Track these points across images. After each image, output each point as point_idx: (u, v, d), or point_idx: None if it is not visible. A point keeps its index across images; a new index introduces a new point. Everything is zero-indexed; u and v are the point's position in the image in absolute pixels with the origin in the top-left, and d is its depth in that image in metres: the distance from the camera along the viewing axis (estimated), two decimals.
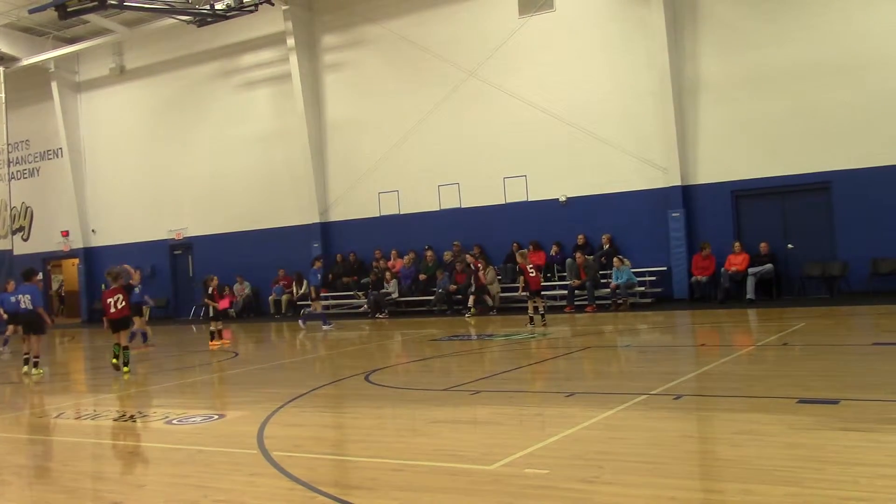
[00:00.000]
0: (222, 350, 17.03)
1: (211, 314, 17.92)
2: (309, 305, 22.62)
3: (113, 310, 13.50)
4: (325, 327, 20.42)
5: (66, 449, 8.33)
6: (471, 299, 21.09)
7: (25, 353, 14.83)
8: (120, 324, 13.63)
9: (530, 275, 17.48)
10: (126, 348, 13.62)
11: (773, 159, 19.67)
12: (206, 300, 18.29)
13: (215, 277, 18.30)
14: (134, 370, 13.74)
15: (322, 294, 21.76)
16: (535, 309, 17.34)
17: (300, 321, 21.57)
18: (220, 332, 17.87)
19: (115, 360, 13.54)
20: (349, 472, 6.62)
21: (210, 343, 17.67)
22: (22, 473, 7.46)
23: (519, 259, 18.33)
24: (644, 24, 20.82)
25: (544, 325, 17.01)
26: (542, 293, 18.15)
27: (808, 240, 19.55)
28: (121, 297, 13.58)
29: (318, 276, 21.13)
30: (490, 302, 21.49)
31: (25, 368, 14.64)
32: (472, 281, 21.45)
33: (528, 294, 17.76)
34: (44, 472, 7.37)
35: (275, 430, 8.05)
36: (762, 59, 19.72)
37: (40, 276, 15.26)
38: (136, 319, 17.77)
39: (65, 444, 8.65)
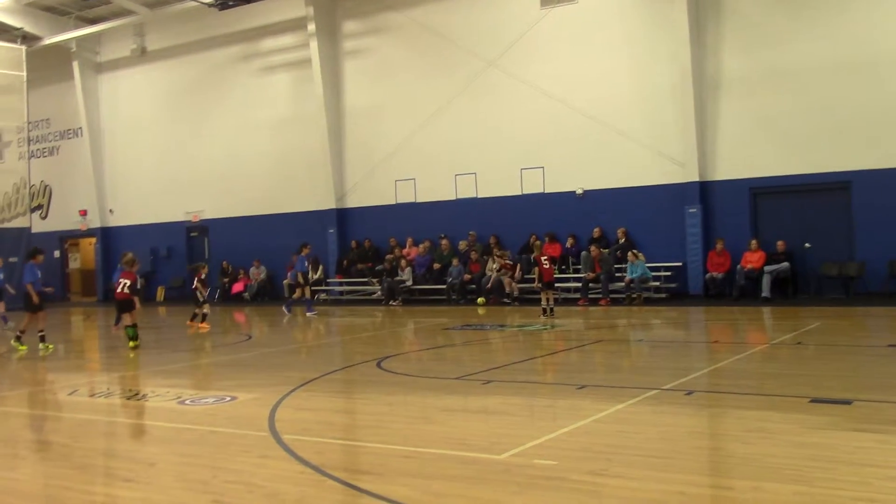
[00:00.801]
0: (206, 334, 17.23)
1: (200, 299, 18.34)
2: (309, 293, 22.55)
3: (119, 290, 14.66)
4: (308, 314, 20.52)
5: (79, 426, 8.39)
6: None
7: (40, 331, 14.98)
8: (123, 305, 14.89)
9: (544, 266, 17.57)
10: (133, 326, 14.40)
11: (792, 157, 19.54)
12: (194, 287, 18.59)
13: (205, 265, 19.32)
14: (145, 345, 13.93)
15: (309, 279, 21.76)
16: (547, 301, 17.36)
17: (284, 307, 21.39)
18: (203, 316, 18.21)
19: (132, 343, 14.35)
20: (359, 457, 6.65)
21: (189, 321, 18.23)
22: (35, 449, 7.53)
23: (534, 251, 18.46)
24: (666, 18, 20.69)
25: (552, 318, 16.98)
26: (556, 285, 18.06)
27: (826, 239, 19.42)
28: (128, 281, 14.62)
29: (306, 262, 21.21)
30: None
31: (41, 346, 14.78)
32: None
33: (541, 286, 17.77)
34: (56, 449, 7.43)
35: (286, 413, 8.09)
36: (784, 57, 19.57)
37: (42, 256, 15.60)
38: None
39: (78, 420, 8.72)
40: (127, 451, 7.19)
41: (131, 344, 14.28)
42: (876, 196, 18.59)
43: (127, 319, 14.59)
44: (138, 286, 16.24)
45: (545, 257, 17.90)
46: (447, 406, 8.32)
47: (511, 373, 10.46)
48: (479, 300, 21.44)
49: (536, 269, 18.28)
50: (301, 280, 21.09)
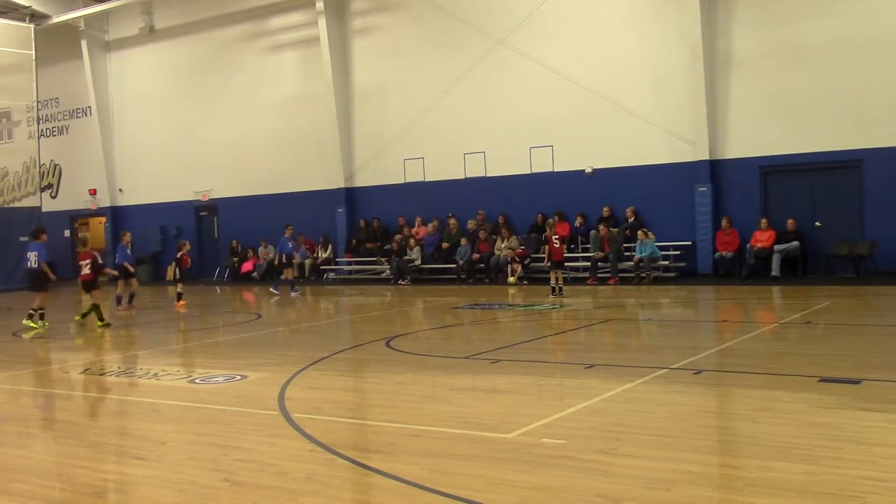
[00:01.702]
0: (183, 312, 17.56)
1: (177, 276, 18.64)
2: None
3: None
4: (292, 293, 20.67)
5: (91, 404, 8.47)
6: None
7: (32, 310, 15.23)
8: (87, 286, 15.45)
9: (554, 245, 17.64)
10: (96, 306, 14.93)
11: (803, 136, 19.41)
12: (174, 263, 18.93)
13: (187, 242, 19.35)
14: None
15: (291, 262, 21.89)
16: (556, 280, 17.38)
17: (272, 288, 21.50)
18: (178, 295, 18.44)
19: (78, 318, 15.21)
20: (368, 436, 6.69)
21: (177, 304, 18.31)
22: (48, 427, 7.60)
23: (547, 230, 18.55)
24: None
25: (561, 297, 17.02)
26: (566, 264, 18.05)
27: (837, 218, 19.34)
28: (88, 261, 15.37)
29: (290, 243, 21.30)
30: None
31: (38, 323, 14.99)
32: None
33: (549, 265, 17.79)
34: (69, 427, 7.50)
35: (296, 392, 8.14)
36: (795, 35, 19.40)
37: (45, 235, 16.04)
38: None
39: (90, 399, 8.79)
40: (138, 430, 7.25)
41: (99, 324, 14.63)
42: (887, 175, 18.48)
43: (89, 300, 14.92)
44: (100, 262, 16.58)
45: (556, 237, 17.91)
46: (456, 385, 8.36)
47: (519, 352, 10.49)
48: (511, 279, 21.29)
49: (546, 247, 18.34)
50: (284, 261, 21.17)
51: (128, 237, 19.63)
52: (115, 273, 18.74)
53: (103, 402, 8.63)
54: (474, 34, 23.43)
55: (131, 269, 18.50)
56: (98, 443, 6.73)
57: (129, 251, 18.98)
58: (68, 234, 33.43)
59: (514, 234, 22.28)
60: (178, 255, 18.65)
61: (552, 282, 17.54)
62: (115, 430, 7.38)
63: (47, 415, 8.18)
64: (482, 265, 22.23)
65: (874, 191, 18.75)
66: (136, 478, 5.63)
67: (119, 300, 18.45)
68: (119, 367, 10.76)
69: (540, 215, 22.07)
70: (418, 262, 23.64)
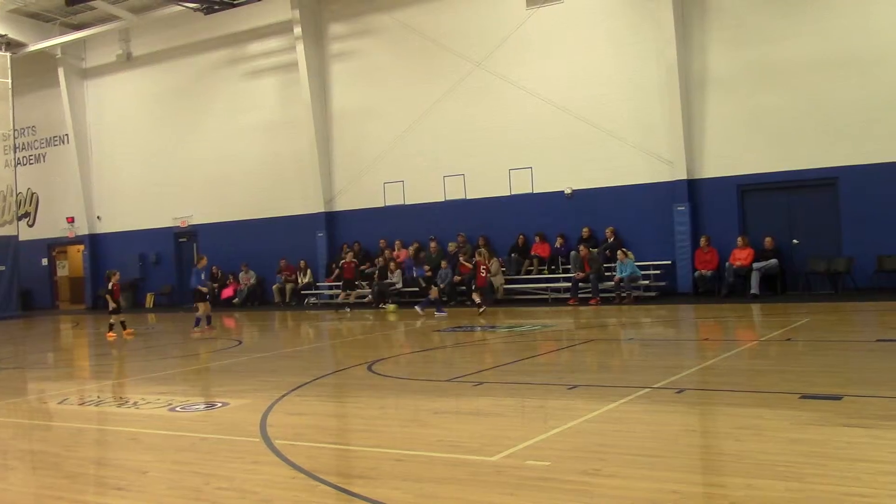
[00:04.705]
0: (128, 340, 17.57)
1: (110, 308, 18.46)
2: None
3: None
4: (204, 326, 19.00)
5: (70, 435, 8.35)
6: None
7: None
8: None
9: (482, 274, 19.68)
10: None
11: (779, 154, 19.61)
12: (105, 294, 18.76)
13: (117, 272, 19.14)
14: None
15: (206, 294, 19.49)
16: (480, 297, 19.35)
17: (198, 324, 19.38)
18: (122, 323, 18.38)
19: None
20: (351, 461, 6.63)
21: (108, 334, 18.20)
22: (26, 458, 7.49)
23: (477, 256, 20.16)
24: (652, 16, 20.75)
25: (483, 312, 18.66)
26: (547, 285, 18.25)
27: (814, 236, 19.51)
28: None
29: (202, 275, 19.22)
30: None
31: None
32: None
33: (474, 287, 19.72)
34: (47, 458, 7.39)
35: (277, 418, 8.07)
36: (770, 54, 19.65)
37: (205, 260, 19.02)
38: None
39: (68, 429, 8.67)
40: (118, 460, 7.16)
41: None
42: (862, 192, 18.69)
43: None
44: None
45: (484, 266, 19.79)
46: (439, 408, 8.32)
47: (502, 374, 10.46)
48: (481, 308, 19.41)
49: (475, 272, 20.07)
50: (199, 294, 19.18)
51: (204, 261, 19.56)
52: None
53: (82, 432, 8.51)
54: (452, 58, 23.57)
55: (204, 290, 18.66)
56: (77, 473, 6.63)
57: (203, 275, 19.03)
58: (46, 263, 33.17)
59: (496, 256, 22.29)
60: (109, 286, 18.54)
61: (478, 299, 19.25)
62: (95, 461, 7.28)
63: (25, 446, 8.06)
64: (463, 288, 22.20)
65: (850, 208, 18.94)
66: None
67: (198, 322, 18.48)
68: (98, 397, 10.63)
69: (521, 236, 22.24)
70: (399, 286, 23.58)
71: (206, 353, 15.27)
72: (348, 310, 22.33)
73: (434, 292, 20.64)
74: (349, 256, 23.02)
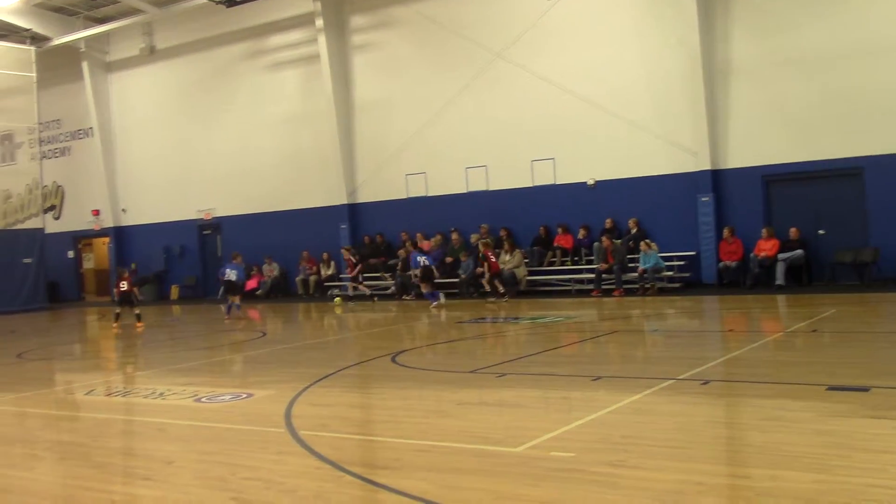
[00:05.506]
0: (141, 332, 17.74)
1: (116, 300, 19.52)
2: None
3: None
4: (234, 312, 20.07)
5: (97, 425, 8.44)
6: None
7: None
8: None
9: (492, 260, 20.27)
10: None
11: (804, 144, 19.41)
12: (117, 288, 19.50)
13: (126, 270, 20.70)
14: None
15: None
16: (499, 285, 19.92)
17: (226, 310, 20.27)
18: (117, 315, 18.74)
19: None
20: (375, 452, 6.66)
21: (113, 325, 18.57)
22: (53, 449, 7.57)
23: (481, 247, 20.69)
24: (675, 5, 20.56)
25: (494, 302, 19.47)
26: (570, 277, 18.35)
27: (840, 226, 19.31)
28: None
29: (240, 271, 20.79)
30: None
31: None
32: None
33: (490, 276, 20.26)
34: (75, 448, 7.47)
35: (302, 409, 8.11)
36: (795, 42, 19.43)
37: (241, 257, 21.05)
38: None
39: (95, 420, 8.77)
40: (145, 450, 7.23)
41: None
42: (889, 181, 18.46)
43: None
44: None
45: (492, 252, 20.48)
46: (462, 400, 8.33)
47: (525, 365, 10.46)
48: (505, 297, 20.07)
49: (486, 262, 20.60)
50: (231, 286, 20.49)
51: (240, 258, 21.19)
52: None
53: (109, 422, 8.60)
54: (473, 48, 23.51)
55: (240, 283, 20.31)
56: (104, 464, 6.70)
57: (240, 269, 20.65)
58: (72, 255, 33.49)
59: (518, 248, 22.24)
60: (126, 285, 18.97)
61: (500, 288, 19.90)
62: (122, 451, 7.36)
63: (53, 437, 8.16)
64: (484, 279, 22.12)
65: (876, 198, 18.73)
66: (144, 498, 5.61)
67: (230, 309, 19.64)
68: (124, 388, 10.74)
69: (543, 227, 22.19)
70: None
71: (230, 344, 15.37)
72: (375, 298, 22.89)
73: (425, 286, 20.85)
74: (347, 254, 23.55)
